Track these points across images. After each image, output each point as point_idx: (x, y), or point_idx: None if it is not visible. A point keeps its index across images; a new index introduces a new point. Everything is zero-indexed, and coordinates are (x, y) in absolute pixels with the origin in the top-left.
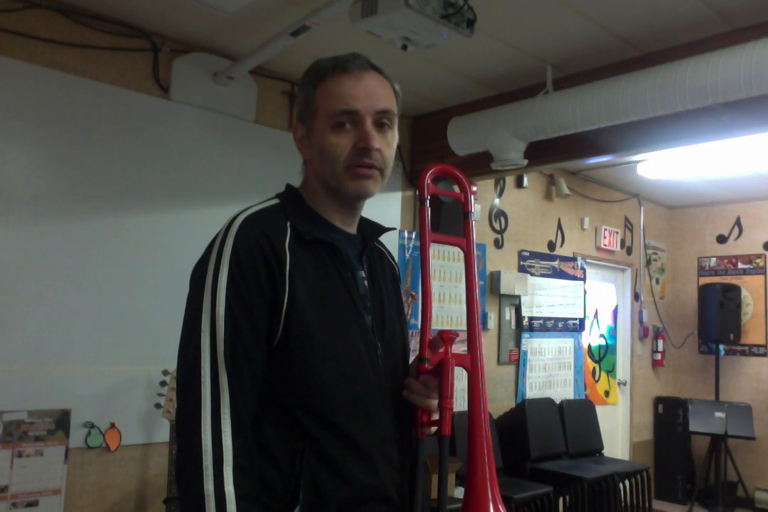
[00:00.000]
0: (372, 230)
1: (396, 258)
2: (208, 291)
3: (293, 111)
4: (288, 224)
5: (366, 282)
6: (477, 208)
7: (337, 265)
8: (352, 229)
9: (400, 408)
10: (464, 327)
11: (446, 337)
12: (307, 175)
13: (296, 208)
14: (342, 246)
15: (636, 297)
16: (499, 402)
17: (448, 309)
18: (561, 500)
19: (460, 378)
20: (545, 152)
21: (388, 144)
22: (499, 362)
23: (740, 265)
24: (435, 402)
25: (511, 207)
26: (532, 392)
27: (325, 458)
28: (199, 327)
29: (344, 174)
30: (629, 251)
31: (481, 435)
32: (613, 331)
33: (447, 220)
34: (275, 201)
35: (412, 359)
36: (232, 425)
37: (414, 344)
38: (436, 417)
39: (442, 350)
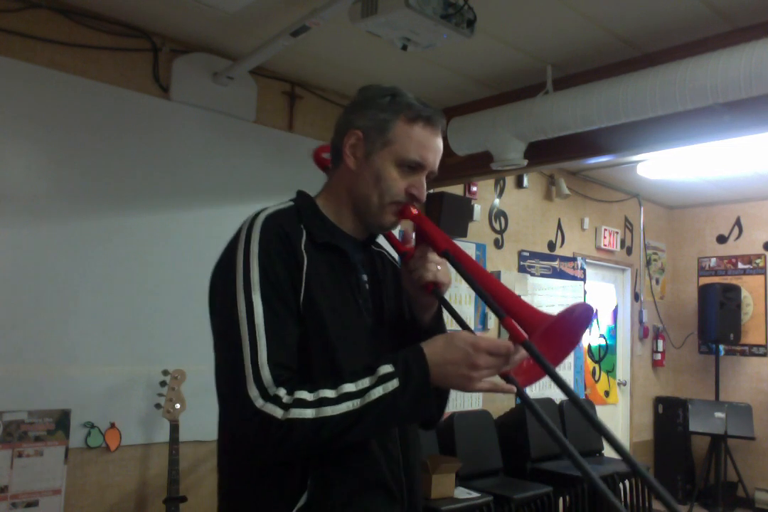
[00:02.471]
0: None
1: (396, 257)
2: (240, 287)
3: (294, 110)
4: (302, 226)
5: (367, 286)
6: (477, 208)
7: (344, 269)
8: (358, 236)
9: None
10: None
11: (405, 212)
12: (340, 183)
13: (309, 213)
14: (349, 250)
15: (636, 297)
16: (499, 402)
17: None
18: (561, 500)
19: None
20: (545, 152)
21: None
22: None
23: (740, 265)
24: (435, 270)
25: (511, 207)
26: (532, 392)
27: (331, 451)
28: (237, 321)
29: (387, 208)
30: (629, 251)
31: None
32: (613, 331)
33: (447, 219)
34: (290, 203)
35: None
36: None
37: None
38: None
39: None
